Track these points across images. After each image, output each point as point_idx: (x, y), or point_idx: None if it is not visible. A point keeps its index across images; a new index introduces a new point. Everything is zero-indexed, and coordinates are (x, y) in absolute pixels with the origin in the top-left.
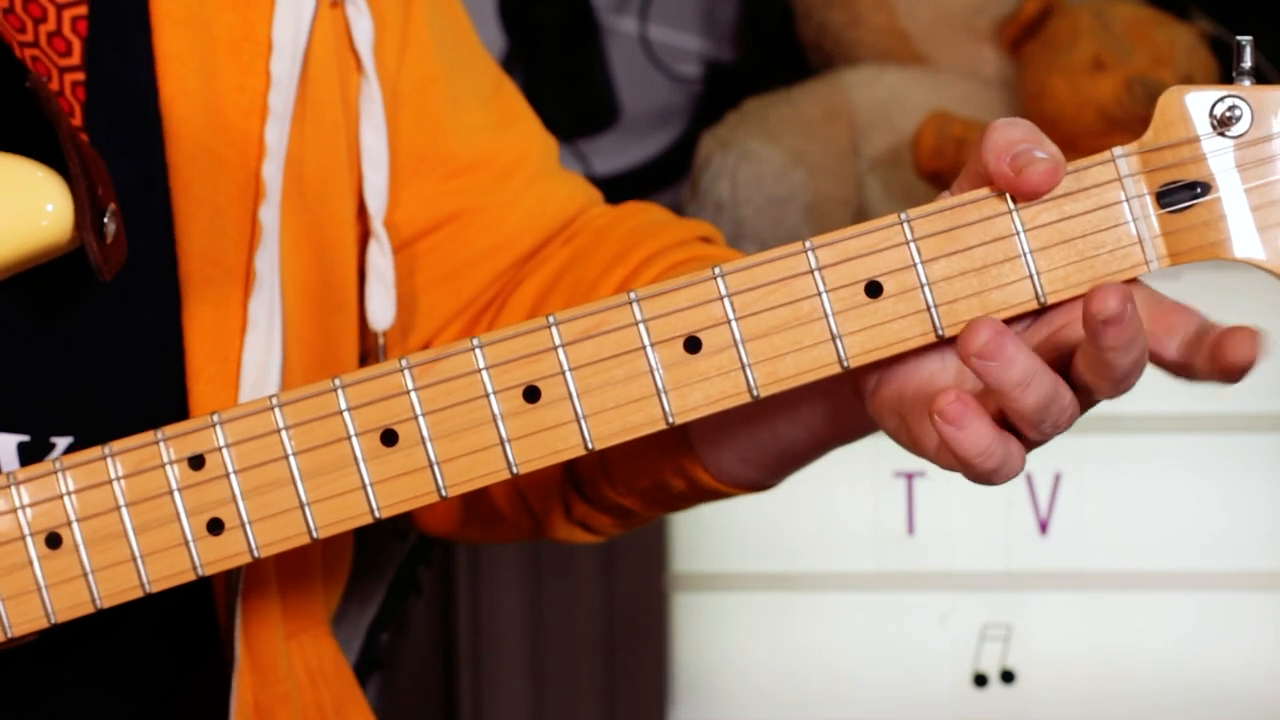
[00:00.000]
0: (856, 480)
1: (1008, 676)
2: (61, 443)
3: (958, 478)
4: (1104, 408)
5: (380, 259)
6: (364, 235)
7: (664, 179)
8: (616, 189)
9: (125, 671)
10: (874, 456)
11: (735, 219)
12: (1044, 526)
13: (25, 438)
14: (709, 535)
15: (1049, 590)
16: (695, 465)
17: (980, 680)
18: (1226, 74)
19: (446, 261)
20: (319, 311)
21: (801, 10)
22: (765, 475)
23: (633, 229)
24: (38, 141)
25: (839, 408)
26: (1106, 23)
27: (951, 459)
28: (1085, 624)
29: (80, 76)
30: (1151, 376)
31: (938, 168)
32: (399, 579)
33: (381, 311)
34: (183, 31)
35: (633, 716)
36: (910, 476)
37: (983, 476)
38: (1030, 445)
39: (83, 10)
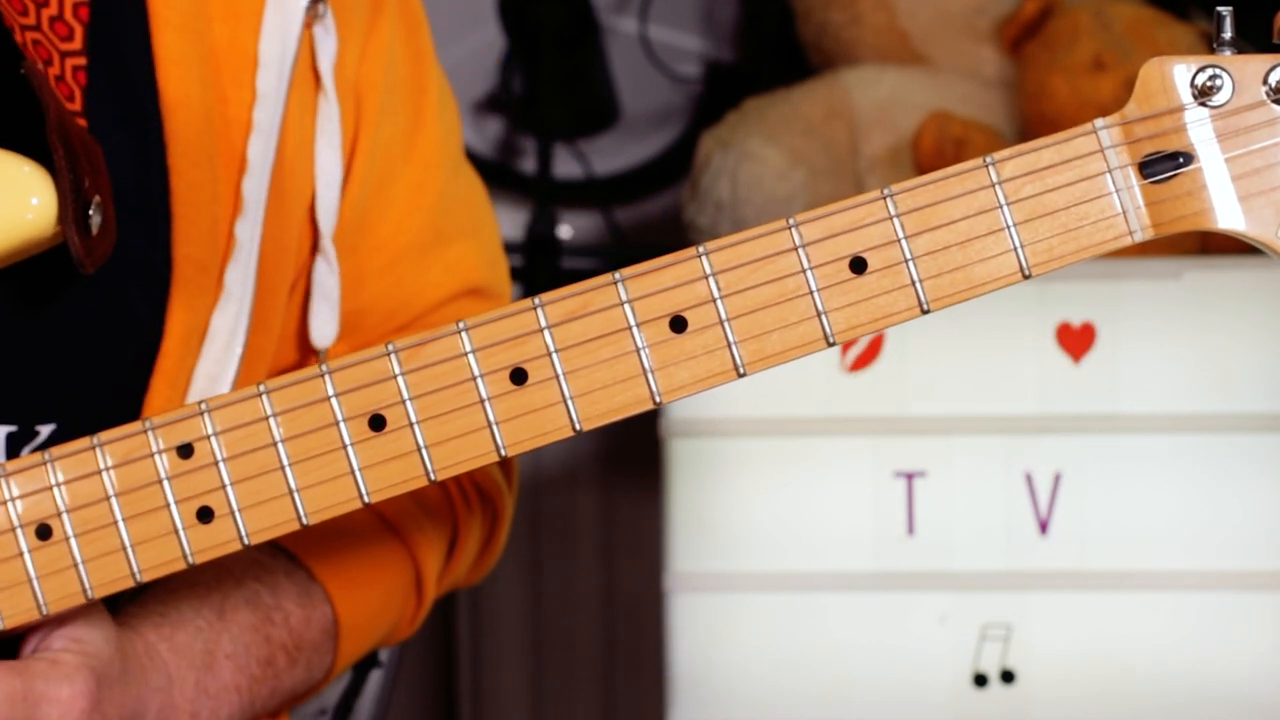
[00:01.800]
0: (856, 480)
1: (1008, 676)
2: (45, 430)
3: (958, 477)
4: (1104, 407)
5: (327, 276)
6: (312, 250)
7: (664, 179)
8: (617, 189)
9: None
10: (874, 456)
11: (735, 219)
12: (1044, 526)
13: (13, 428)
14: (709, 535)
15: (1049, 590)
16: None
17: (980, 680)
18: None
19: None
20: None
21: (801, 10)
22: None
23: None
24: (35, 127)
25: None
26: (1106, 23)
27: None
28: (1085, 624)
29: (81, 61)
30: (1151, 376)
31: (938, 168)
32: None
33: (324, 329)
34: (182, 38)
35: (632, 716)
36: (910, 476)
37: None
38: None
39: None
